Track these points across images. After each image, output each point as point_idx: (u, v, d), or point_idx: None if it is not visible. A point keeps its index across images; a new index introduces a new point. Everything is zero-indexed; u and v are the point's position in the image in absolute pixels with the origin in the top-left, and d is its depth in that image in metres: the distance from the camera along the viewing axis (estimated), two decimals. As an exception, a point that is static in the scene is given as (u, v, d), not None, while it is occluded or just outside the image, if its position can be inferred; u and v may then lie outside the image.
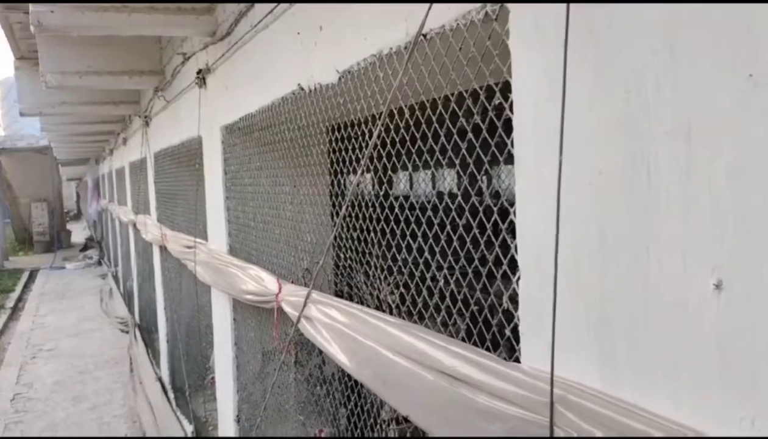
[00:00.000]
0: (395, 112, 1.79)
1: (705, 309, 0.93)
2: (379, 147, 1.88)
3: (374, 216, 1.92)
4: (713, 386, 0.93)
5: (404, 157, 1.75)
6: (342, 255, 2.29)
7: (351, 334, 1.86)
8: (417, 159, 1.70)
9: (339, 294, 2.62)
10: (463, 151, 1.51)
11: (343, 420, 2.72)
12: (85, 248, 22.15)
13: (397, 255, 1.80)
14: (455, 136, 1.53)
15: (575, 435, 1.10)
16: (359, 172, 1.78)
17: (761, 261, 0.85)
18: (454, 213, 1.56)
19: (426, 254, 1.68)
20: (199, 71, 3.88)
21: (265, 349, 3.19)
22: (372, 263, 2.00)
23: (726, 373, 0.91)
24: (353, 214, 2.08)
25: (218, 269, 3.43)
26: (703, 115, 0.92)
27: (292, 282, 2.64)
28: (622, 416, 1.04)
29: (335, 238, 2.52)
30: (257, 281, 2.81)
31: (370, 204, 1.95)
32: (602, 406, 1.08)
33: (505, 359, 1.39)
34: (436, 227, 1.64)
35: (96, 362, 8.92)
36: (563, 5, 1.10)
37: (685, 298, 0.96)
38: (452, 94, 1.56)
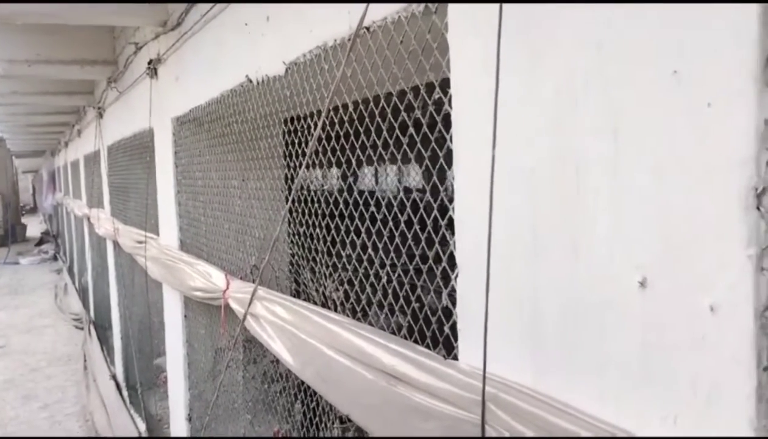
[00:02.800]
0: (340, 107, 1.76)
1: (630, 307, 0.92)
2: (324, 142, 1.85)
3: (319, 211, 1.89)
4: (637, 384, 0.93)
5: (348, 152, 1.72)
6: (292, 251, 2.25)
7: (294, 331, 1.83)
8: (361, 154, 1.68)
9: (296, 292, 2.58)
10: (405, 147, 1.49)
11: (298, 417, 2.68)
12: (40, 242, 21.57)
13: (342, 251, 1.77)
14: (397, 131, 1.50)
15: (506, 434, 1.09)
16: (302, 167, 1.75)
17: (683, 259, 0.85)
18: (396, 209, 1.54)
19: (369, 250, 1.66)
20: (150, 61, 3.78)
21: (217, 346, 3.13)
22: (318, 259, 1.97)
23: (649, 371, 0.91)
24: (299, 210, 2.04)
25: (167, 265, 3.35)
26: (629, 112, 0.91)
27: (241, 278, 2.59)
28: (552, 415, 1.04)
29: (289, 234, 2.48)
30: (205, 277, 2.75)
31: (315, 199, 1.92)
32: (533, 405, 1.07)
33: (444, 356, 1.37)
34: (379, 222, 1.61)
35: (48, 359, 8.68)
36: (497, -1, 1.08)
37: (612, 295, 0.95)
38: (396, 90, 1.54)
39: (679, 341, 0.86)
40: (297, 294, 2.11)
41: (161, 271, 3.56)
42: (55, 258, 18.05)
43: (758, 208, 0.77)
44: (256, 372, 2.56)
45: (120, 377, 6.55)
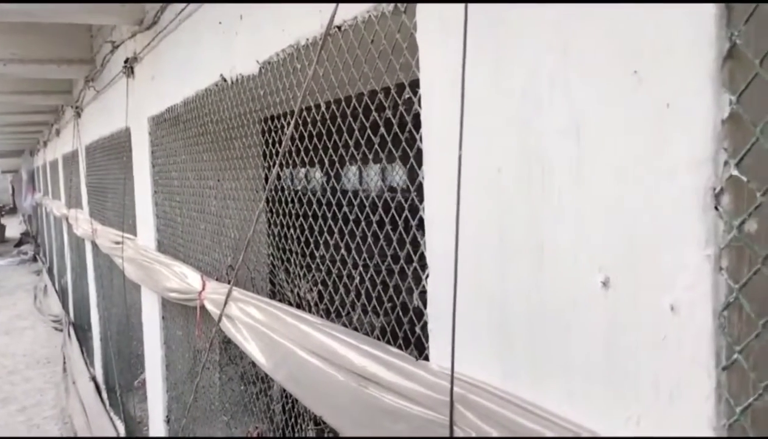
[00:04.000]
0: (313, 107, 1.75)
1: (593, 307, 0.92)
2: (297, 142, 1.84)
3: (293, 211, 1.88)
4: (602, 384, 0.93)
5: (321, 152, 1.71)
6: (268, 252, 2.24)
7: (268, 333, 1.81)
8: (334, 155, 1.67)
9: (271, 292, 2.56)
10: (376, 147, 1.48)
11: (276, 418, 2.67)
12: (20, 243, 21.28)
13: (315, 251, 1.76)
14: (368, 131, 1.50)
15: (474, 435, 1.08)
16: (275, 167, 1.74)
17: (644, 260, 0.85)
18: (368, 209, 1.53)
19: (343, 250, 1.65)
20: (127, 60, 3.74)
21: (195, 348, 3.11)
22: (292, 260, 1.96)
23: (613, 371, 0.91)
24: (274, 210, 2.03)
25: (144, 266, 3.32)
26: (592, 113, 0.91)
27: (217, 279, 2.57)
28: (519, 416, 1.04)
29: (267, 234, 2.47)
30: (181, 279, 2.73)
31: (288, 200, 1.91)
32: (501, 405, 1.07)
33: (416, 357, 1.37)
34: (351, 222, 1.61)
35: (27, 361, 8.58)
36: (463, -1, 1.08)
37: (576, 296, 0.95)
38: (368, 90, 1.53)
39: (642, 341, 0.86)
40: (273, 295, 2.09)
41: (138, 272, 3.52)
42: (34, 259, 17.82)
43: (716, 208, 0.77)
44: (233, 374, 2.53)
45: (100, 379, 6.49)
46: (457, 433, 1.11)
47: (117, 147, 4.61)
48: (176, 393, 3.63)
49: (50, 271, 13.32)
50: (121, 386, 5.43)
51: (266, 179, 2.03)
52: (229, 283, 2.32)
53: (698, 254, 0.78)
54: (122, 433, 5.36)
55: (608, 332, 0.91)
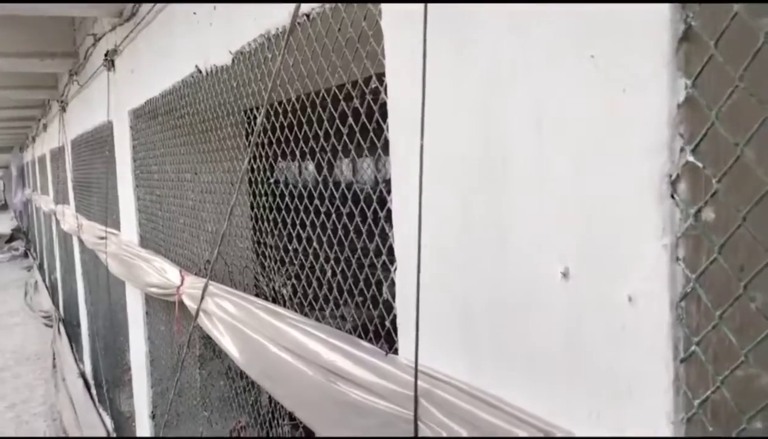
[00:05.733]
0: (284, 99, 1.72)
1: (553, 299, 0.90)
2: (269, 133, 1.81)
3: (266, 204, 1.85)
4: (563, 378, 0.91)
5: (292, 144, 1.68)
6: (244, 245, 2.21)
7: (241, 328, 1.79)
8: (304, 146, 1.64)
9: (253, 287, 2.52)
10: (344, 138, 1.45)
11: (255, 414, 2.64)
12: (11, 239, 21.16)
13: (289, 245, 1.73)
14: (337, 121, 1.47)
15: (439, 430, 1.06)
16: (247, 159, 1.71)
17: (603, 250, 0.83)
18: (338, 202, 1.51)
19: (315, 243, 1.62)
20: (107, 53, 3.69)
21: (176, 343, 3.08)
22: (267, 254, 1.93)
23: (574, 365, 0.89)
24: (249, 204, 2.00)
25: (125, 261, 3.29)
26: (552, 100, 0.89)
27: (196, 274, 2.54)
28: (484, 412, 1.01)
29: (245, 228, 2.43)
30: (161, 274, 2.70)
31: (262, 192, 1.88)
32: (465, 401, 1.05)
33: (386, 351, 1.35)
34: (323, 215, 1.58)
35: (17, 358, 8.53)
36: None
37: (537, 288, 0.93)
38: (338, 83, 1.50)
39: (601, 333, 0.84)
40: (252, 289, 2.07)
41: (120, 267, 3.49)
42: (26, 255, 17.73)
43: (673, 196, 0.74)
44: (215, 369, 2.51)
45: (89, 375, 6.45)
46: (422, 429, 1.09)
47: (100, 141, 4.56)
48: (161, 389, 3.61)
49: (41, 267, 13.25)
50: (108, 382, 5.40)
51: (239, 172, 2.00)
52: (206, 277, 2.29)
53: (655, 243, 0.76)
54: (110, 429, 5.34)
55: (568, 324, 0.89)
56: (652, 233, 0.76)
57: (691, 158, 0.73)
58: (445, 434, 1.04)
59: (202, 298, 2.12)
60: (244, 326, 1.79)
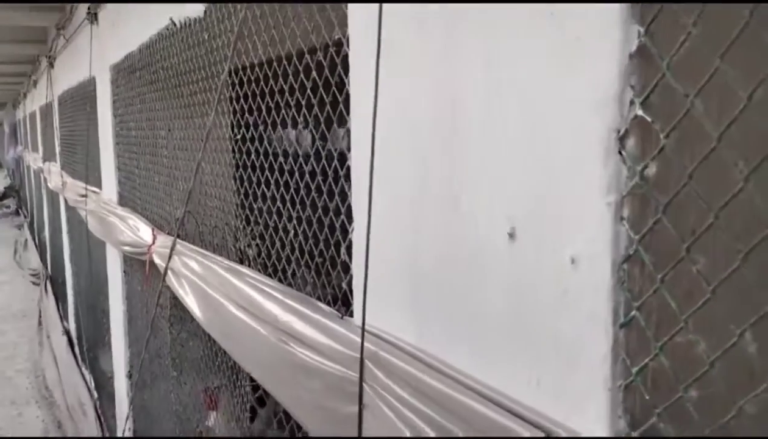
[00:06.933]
0: (252, 57, 1.65)
1: (498, 261, 0.86)
2: (237, 89, 1.75)
3: (232, 162, 1.80)
4: (507, 343, 0.87)
5: (259, 99, 1.63)
6: (213, 204, 2.16)
7: (203, 286, 1.75)
8: (270, 102, 1.58)
9: (215, 247, 2.47)
10: (308, 92, 1.40)
11: (225, 375, 2.62)
12: (3, 196, 21.01)
13: (254, 204, 1.69)
14: (302, 77, 1.41)
15: (382, 393, 1.03)
16: (213, 115, 1.65)
17: (548, 209, 0.79)
18: (301, 160, 1.46)
19: (278, 203, 1.58)
20: (89, 6, 3.60)
21: (148, 303, 3.05)
22: (234, 213, 1.89)
23: (517, 329, 0.85)
24: (217, 161, 1.95)
25: (102, 219, 3.24)
26: (504, 50, 0.84)
27: (168, 233, 2.49)
28: (428, 376, 0.98)
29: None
30: (134, 232, 2.65)
31: (229, 150, 1.83)
32: (410, 364, 1.01)
33: (341, 313, 1.31)
34: (286, 174, 1.53)
35: (3, 315, 8.51)
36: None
37: (484, 249, 0.89)
38: (308, 46, 1.44)
39: (544, 297, 0.80)
40: (215, 249, 2.03)
41: (98, 226, 3.45)
42: (17, 213, 17.65)
43: (620, 153, 0.70)
44: (181, 329, 2.48)
45: (73, 333, 6.44)
46: (366, 390, 1.06)
47: (84, 97, 4.48)
48: (137, 349, 3.59)
49: (31, 225, 13.18)
50: (91, 341, 5.39)
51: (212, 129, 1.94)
52: (177, 236, 2.25)
53: (599, 202, 0.72)
54: (92, 387, 5.34)
55: (512, 288, 0.85)
56: (597, 192, 0.72)
57: (640, 112, 0.68)
58: (388, 396, 1.01)
59: (170, 257, 2.08)
60: (207, 285, 1.75)
